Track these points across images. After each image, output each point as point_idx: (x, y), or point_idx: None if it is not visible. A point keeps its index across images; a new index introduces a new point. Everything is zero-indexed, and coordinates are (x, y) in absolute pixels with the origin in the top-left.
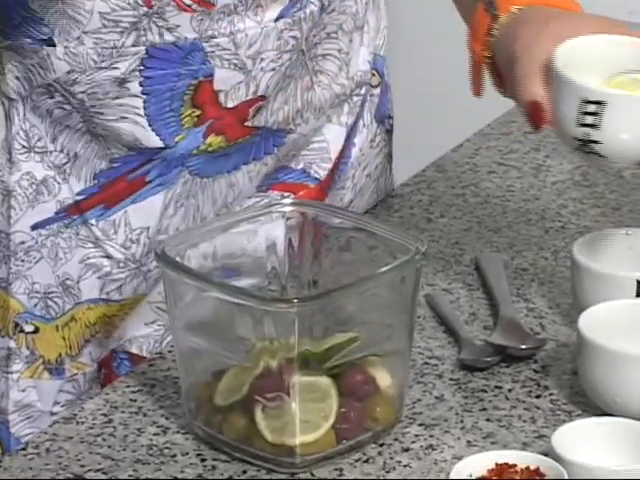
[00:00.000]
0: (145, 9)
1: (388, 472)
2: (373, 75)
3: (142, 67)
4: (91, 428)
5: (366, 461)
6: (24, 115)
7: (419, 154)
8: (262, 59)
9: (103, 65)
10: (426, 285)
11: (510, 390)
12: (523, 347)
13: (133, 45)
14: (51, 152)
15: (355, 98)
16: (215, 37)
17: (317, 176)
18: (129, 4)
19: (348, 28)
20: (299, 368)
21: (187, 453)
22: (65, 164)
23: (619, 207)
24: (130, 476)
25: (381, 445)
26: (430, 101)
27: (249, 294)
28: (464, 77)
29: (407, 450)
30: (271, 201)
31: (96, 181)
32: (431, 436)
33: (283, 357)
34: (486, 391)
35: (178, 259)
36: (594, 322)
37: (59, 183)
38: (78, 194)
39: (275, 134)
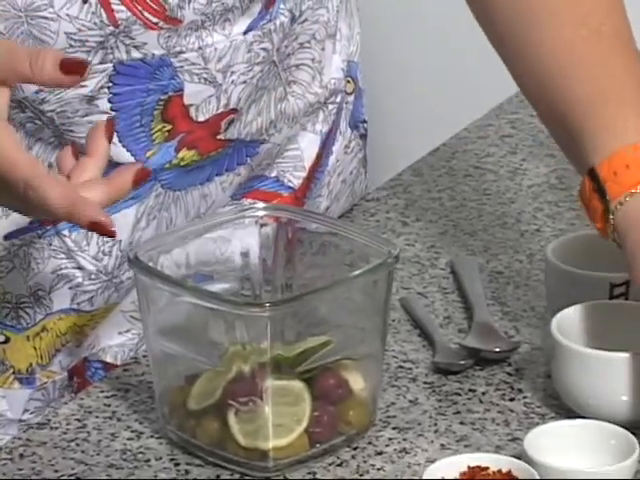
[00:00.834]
0: (112, 28)
1: (362, 475)
2: (348, 82)
3: (110, 84)
4: (65, 433)
5: (340, 465)
6: None
7: (395, 158)
8: (232, 72)
9: None
10: (401, 289)
11: (484, 393)
12: (497, 350)
13: (100, 63)
14: None
15: (330, 106)
16: (183, 52)
17: (291, 185)
18: (95, 24)
19: (320, 37)
20: (272, 372)
21: (161, 458)
22: None
23: None
24: None
25: (355, 449)
26: (406, 105)
27: (221, 298)
28: (440, 80)
29: (381, 454)
30: (244, 206)
31: None
32: (405, 439)
33: (256, 361)
34: (460, 394)
35: (151, 264)
36: (567, 324)
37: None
38: None
39: (248, 145)
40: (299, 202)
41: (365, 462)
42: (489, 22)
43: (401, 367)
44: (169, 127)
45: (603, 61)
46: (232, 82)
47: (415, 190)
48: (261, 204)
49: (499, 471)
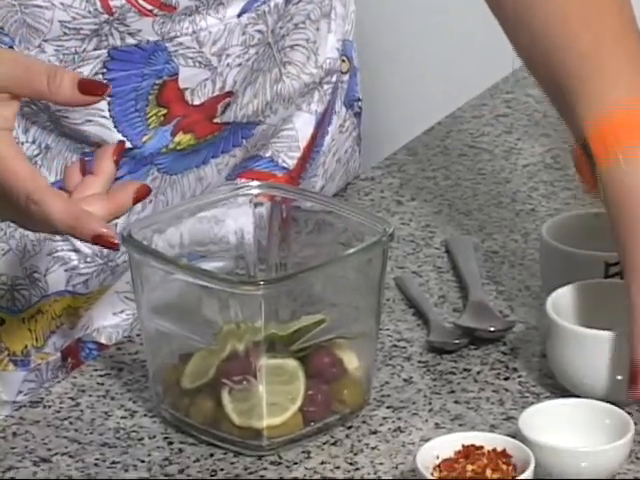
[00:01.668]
0: (106, 16)
1: (356, 454)
2: (343, 61)
3: (105, 70)
4: (58, 412)
5: (334, 444)
6: None
7: (390, 137)
8: (228, 55)
9: None
10: (396, 268)
11: (479, 372)
12: (492, 329)
13: (95, 49)
14: (22, 143)
15: (326, 86)
16: (178, 37)
17: (285, 165)
18: (89, 12)
19: (315, 17)
20: (266, 351)
21: (154, 436)
22: (36, 156)
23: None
24: (97, 459)
25: (349, 428)
26: (401, 84)
27: (215, 277)
28: (436, 59)
29: (375, 432)
30: (238, 185)
31: None
32: (399, 418)
33: (250, 340)
34: (454, 373)
35: (145, 242)
36: (562, 304)
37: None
38: None
39: (244, 127)
40: (294, 182)
41: (359, 441)
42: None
43: (395, 346)
44: (164, 111)
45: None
46: (227, 65)
47: (410, 169)
48: (255, 182)
49: (494, 450)
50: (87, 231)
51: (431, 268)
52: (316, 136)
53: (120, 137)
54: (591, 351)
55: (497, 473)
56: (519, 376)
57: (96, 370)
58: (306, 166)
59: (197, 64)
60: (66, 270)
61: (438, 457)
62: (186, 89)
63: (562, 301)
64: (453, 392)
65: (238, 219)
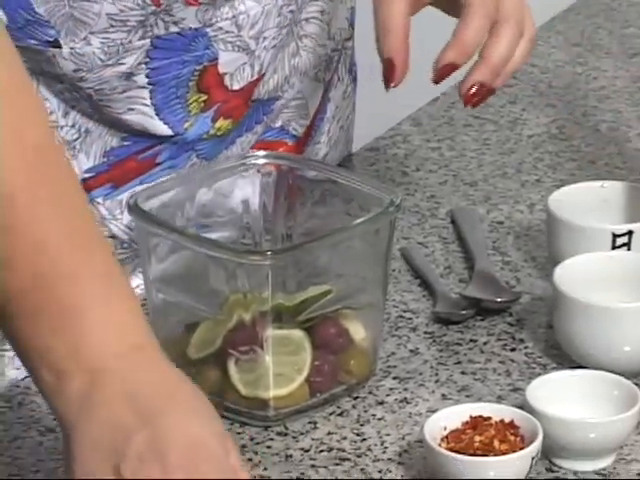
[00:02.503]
0: (153, 8)
1: (362, 425)
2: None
3: (148, 59)
4: None
5: (340, 414)
6: (37, 87)
7: (394, 108)
8: (264, 38)
9: (110, 62)
10: (401, 238)
11: (485, 343)
12: (498, 300)
13: (139, 39)
14: (62, 127)
15: (332, 54)
16: (218, 22)
17: (295, 133)
18: (137, 4)
19: None
20: (272, 321)
21: None
22: (76, 140)
23: (595, 160)
24: None
25: (355, 398)
26: None
27: (222, 246)
28: (441, 28)
29: (381, 403)
30: (245, 155)
31: (106, 159)
32: (405, 389)
33: (256, 310)
34: (461, 344)
35: (151, 211)
36: (569, 275)
37: (68, 159)
38: (86, 171)
39: (265, 103)
40: (301, 150)
41: (366, 412)
42: None
43: (401, 317)
44: (205, 97)
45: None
46: (264, 48)
47: (414, 140)
48: (262, 152)
49: (501, 421)
50: None
51: (437, 239)
52: (321, 103)
53: (162, 125)
54: (598, 322)
55: (505, 444)
56: (525, 347)
57: None
58: (312, 133)
59: (236, 48)
60: None
61: (446, 428)
62: (225, 74)
63: (569, 272)
64: (459, 363)
65: (244, 189)
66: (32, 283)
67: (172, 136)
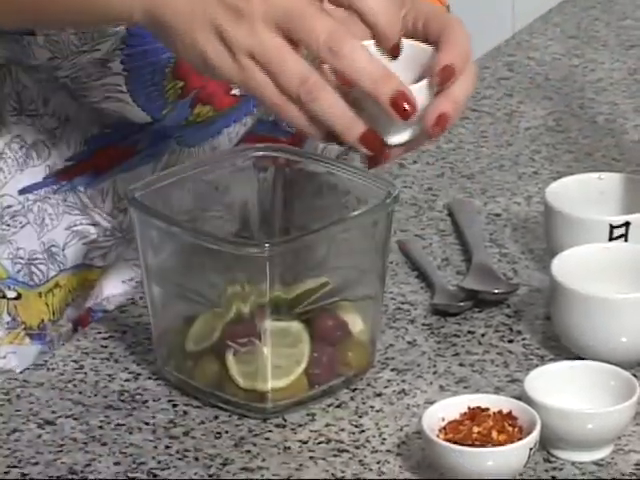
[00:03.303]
0: None
1: (360, 417)
2: None
3: (123, 45)
4: (62, 374)
5: (338, 406)
6: (16, 76)
7: None
8: None
9: (85, 49)
10: (399, 231)
11: (483, 335)
12: (496, 292)
13: (114, 25)
14: (42, 115)
15: None
16: None
17: (288, 129)
18: None
19: None
20: (271, 313)
21: (159, 399)
22: (56, 129)
23: (592, 152)
24: (101, 422)
25: (353, 390)
26: None
27: (220, 239)
28: None
29: (379, 395)
30: (242, 148)
31: (86, 147)
32: (403, 381)
33: (255, 302)
34: (459, 336)
35: (149, 204)
36: (567, 266)
37: (49, 147)
38: (68, 160)
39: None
40: (296, 145)
41: (364, 403)
42: None
43: (399, 309)
44: (181, 84)
45: None
46: None
47: None
48: (259, 145)
49: (499, 412)
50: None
51: (434, 231)
52: None
53: (140, 112)
54: (596, 313)
55: (503, 435)
56: (523, 339)
57: (100, 333)
58: None
59: None
60: (84, 244)
61: (444, 419)
62: None
63: (566, 264)
64: (457, 355)
65: (241, 182)
66: None
67: (151, 123)
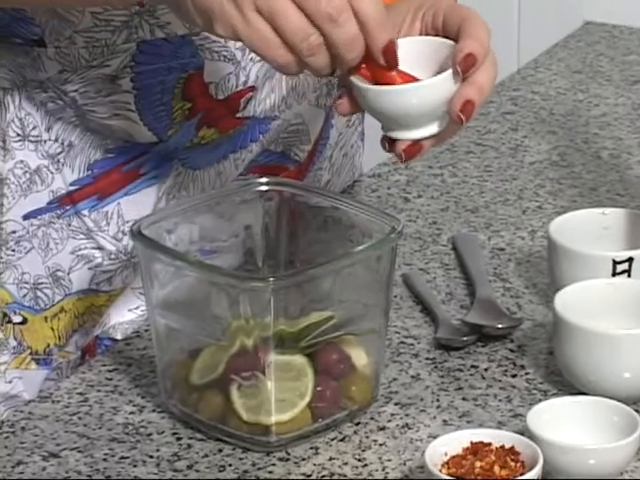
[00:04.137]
0: (137, 7)
1: (364, 451)
2: None
3: (133, 63)
4: (67, 407)
5: (342, 440)
6: (19, 103)
7: None
8: None
9: (94, 64)
10: (403, 264)
11: (486, 369)
12: (499, 326)
13: (124, 42)
14: (45, 141)
15: (333, 79)
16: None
17: (297, 158)
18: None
19: None
20: (275, 347)
21: (163, 432)
22: (59, 154)
23: (596, 187)
24: (106, 454)
25: (357, 424)
26: None
27: (224, 272)
28: None
29: (383, 429)
30: (248, 180)
31: (90, 172)
32: (407, 415)
33: (259, 336)
34: (462, 370)
35: (154, 238)
36: (570, 301)
37: (52, 173)
38: (71, 184)
39: (261, 122)
40: (303, 175)
41: (367, 437)
42: None
43: (403, 343)
44: (189, 105)
45: None
46: (250, 59)
47: (416, 166)
48: (264, 178)
49: (502, 447)
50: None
51: (438, 265)
52: (323, 129)
53: (146, 131)
54: (598, 349)
55: (505, 470)
56: (526, 373)
57: (104, 365)
58: (314, 159)
59: (222, 58)
60: (90, 268)
61: (446, 454)
62: (210, 83)
63: (570, 299)
64: (461, 389)
65: (247, 215)
66: None
67: (156, 143)
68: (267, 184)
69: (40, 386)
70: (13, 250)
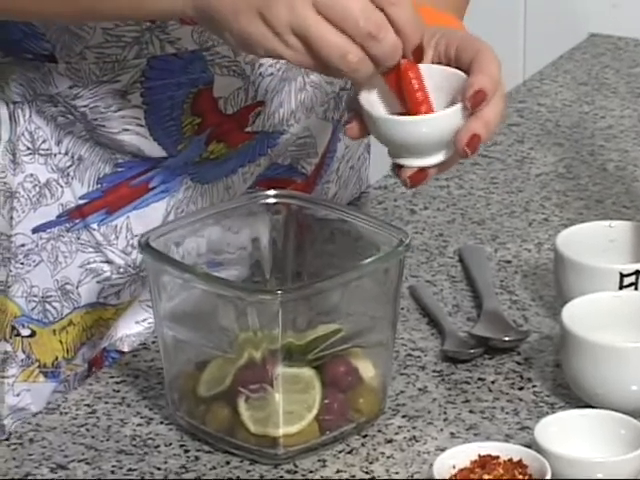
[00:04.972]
0: (148, 24)
1: (371, 463)
2: None
3: (143, 78)
4: (74, 418)
5: (349, 452)
6: (30, 116)
7: None
8: (261, 64)
9: (105, 79)
10: (410, 277)
11: (493, 382)
12: (506, 339)
13: (135, 58)
14: (55, 155)
15: (341, 93)
16: (215, 46)
17: (304, 171)
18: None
19: None
20: (283, 359)
21: (170, 444)
22: (69, 167)
23: (602, 200)
24: (113, 466)
25: (364, 436)
26: None
27: (232, 285)
28: None
29: (390, 441)
30: (255, 194)
31: (99, 185)
32: (414, 427)
33: (267, 348)
34: (469, 383)
35: (162, 251)
36: (577, 314)
37: (62, 186)
38: (81, 198)
39: (270, 136)
40: (310, 188)
41: (375, 450)
42: None
43: (410, 355)
44: (199, 120)
45: None
46: (260, 74)
47: None
48: (272, 191)
49: (510, 460)
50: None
51: (445, 277)
52: (330, 142)
53: (156, 146)
54: (606, 362)
55: None
56: (533, 386)
57: (112, 377)
58: (321, 172)
59: (232, 73)
60: (98, 282)
61: (454, 467)
62: (220, 98)
63: (577, 311)
64: (468, 401)
65: (254, 227)
66: None
67: (165, 158)
68: (274, 197)
69: (48, 398)
70: (22, 263)
